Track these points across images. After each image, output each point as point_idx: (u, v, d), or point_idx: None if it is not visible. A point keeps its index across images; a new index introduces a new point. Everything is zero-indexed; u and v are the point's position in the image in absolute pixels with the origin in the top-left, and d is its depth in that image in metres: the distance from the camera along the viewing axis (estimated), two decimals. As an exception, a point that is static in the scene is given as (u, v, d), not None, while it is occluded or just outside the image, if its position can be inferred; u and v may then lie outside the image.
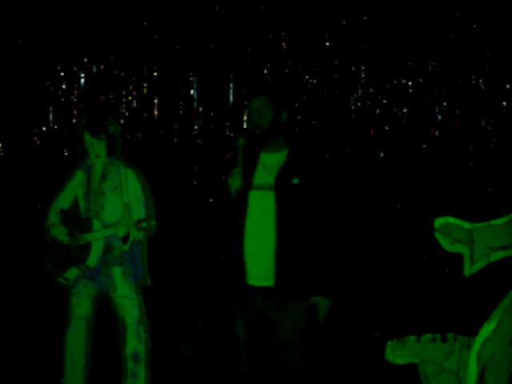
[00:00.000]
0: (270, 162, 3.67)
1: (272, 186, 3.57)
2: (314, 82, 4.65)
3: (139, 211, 4.53)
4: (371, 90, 4.52)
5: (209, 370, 4.50)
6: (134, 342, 4.48)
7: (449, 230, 4.41)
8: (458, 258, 4.35)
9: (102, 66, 4.97)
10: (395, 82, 4.48)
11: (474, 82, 4.31)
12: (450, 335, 4.29)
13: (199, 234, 4.71)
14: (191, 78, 4.84)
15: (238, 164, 3.61)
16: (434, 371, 4.44)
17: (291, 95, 4.68)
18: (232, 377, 4.48)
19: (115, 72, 4.97)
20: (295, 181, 3.57)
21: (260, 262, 3.57)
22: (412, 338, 4.43)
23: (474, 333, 4.25)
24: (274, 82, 4.70)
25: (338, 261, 3.53)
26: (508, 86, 4.32)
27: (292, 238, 3.55)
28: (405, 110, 4.48)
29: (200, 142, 4.79)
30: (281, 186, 3.57)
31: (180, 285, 4.69)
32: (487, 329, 4.28)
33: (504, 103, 4.32)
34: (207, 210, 4.75)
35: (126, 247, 4.50)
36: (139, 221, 4.51)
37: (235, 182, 3.59)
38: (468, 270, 4.39)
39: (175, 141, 4.82)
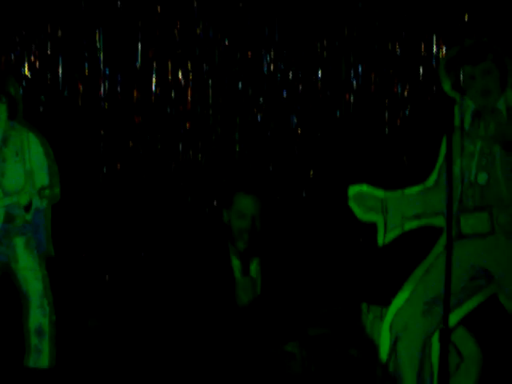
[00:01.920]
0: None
1: None
2: (226, 43, 4.48)
3: (42, 178, 4.36)
4: (284, 53, 4.39)
5: (118, 343, 4.38)
6: (38, 316, 4.34)
7: (363, 199, 4.34)
8: (372, 227, 4.30)
9: (2, 24, 4.70)
10: (310, 45, 4.36)
11: (390, 46, 4.22)
12: (363, 306, 4.24)
13: (103, 201, 4.52)
14: (97, 38, 4.61)
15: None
16: (347, 342, 4.43)
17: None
18: (139, 348, 4.42)
19: (16, 30, 4.70)
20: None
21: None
22: (323, 311, 4.38)
23: (387, 303, 4.22)
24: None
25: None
26: (425, 53, 4.24)
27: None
28: (319, 75, 4.36)
29: (106, 105, 4.58)
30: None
31: (86, 255, 4.51)
32: (400, 299, 4.25)
33: (420, 69, 4.25)
34: (113, 176, 4.56)
35: (28, 216, 4.35)
36: (42, 188, 4.36)
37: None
38: (382, 239, 4.34)
39: (80, 104, 4.61)
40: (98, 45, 4.59)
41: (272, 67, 4.48)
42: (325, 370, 3.91)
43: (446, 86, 4.13)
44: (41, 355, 4.33)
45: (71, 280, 4.50)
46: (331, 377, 4.04)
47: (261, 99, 4.42)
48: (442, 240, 4.25)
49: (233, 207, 3.65)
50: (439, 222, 4.24)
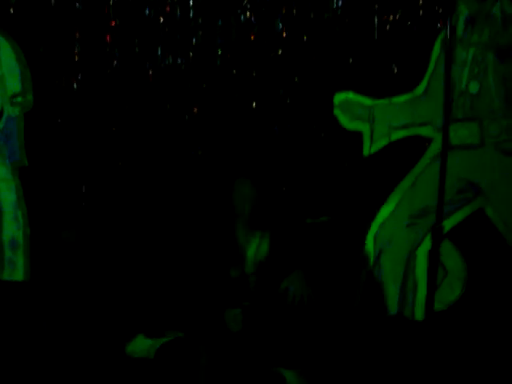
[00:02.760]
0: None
1: None
2: None
3: (14, 84, 4.19)
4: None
5: (92, 255, 4.27)
6: (12, 228, 4.24)
7: (349, 107, 4.18)
8: (358, 136, 4.16)
9: None
10: None
11: None
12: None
13: (78, 109, 4.33)
14: None
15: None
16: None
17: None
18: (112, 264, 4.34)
19: None
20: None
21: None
22: (309, 221, 4.28)
23: (372, 216, 4.13)
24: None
25: None
26: None
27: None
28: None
29: (81, 7, 4.32)
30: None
31: (61, 166, 4.34)
32: (385, 211, 4.16)
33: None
34: (88, 82, 4.34)
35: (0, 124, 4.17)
36: (14, 95, 4.20)
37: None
38: (368, 149, 4.21)
39: (53, 3, 4.34)
40: None
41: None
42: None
43: (439, -10, 3.95)
44: (15, 268, 4.24)
45: (45, 190, 4.37)
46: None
47: (244, 1, 4.19)
48: (430, 151, 4.14)
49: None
50: (427, 132, 4.11)
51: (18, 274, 4.20)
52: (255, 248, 3.70)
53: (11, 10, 4.41)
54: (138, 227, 4.37)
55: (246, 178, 3.70)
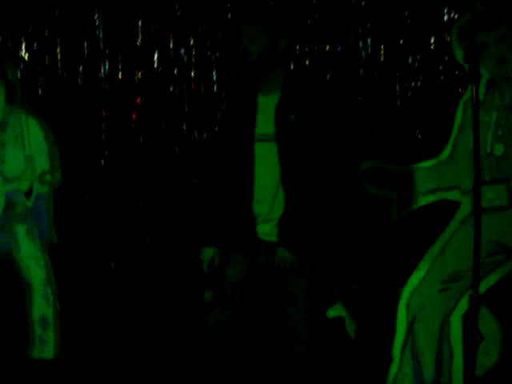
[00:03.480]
0: (269, 105, 3.40)
1: (274, 134, 3.37)
2: (229, 16, 4.36)
3: (43, 163, 4.26)
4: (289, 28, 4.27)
5: (123, 331, 4.29)
6: (42, 305, 4.24)
7: (376, 174, 4.22)
8: (387, 202, 4.19)
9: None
10: (316, 16, 4.25)
11: (400, 16, 4.10)
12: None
13: (108, 185, 4.44)
14: (96, 17, 4.51)
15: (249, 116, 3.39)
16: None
17: (290, 22, 4.23)
18: (143, 338, 4.33)
19: (13, 11, 4.61)
20: (292, 117, 3.36)
21: (267, 220, 3.45)
22: (337, 290, 4.26)
23: (403, 282, 4.11)
24: (269, 7, 4.27)
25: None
26: (435, 22, 4.13)
27: (296, 195, 3.38)
28: (327, 48, 4.24)
29: (107, 86, 4.48)
30: (281, 131, 3.34)
31: (90, 243, 4.42)
32: (416, 278, 4.12)
33: (432, 39, 4.14)
34: (115, 159, 4.47)
35: (29, 203, 4.26)
36: (43, 173, 4.25)
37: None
38: (396, 214, 4.22)
39: (80, 85, 4.50)
40: (96, 23, 4.50)
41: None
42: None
43: (459, 56, 4.03)
44: (46, 346, 4.22)
45: (75, 268, 4.42)
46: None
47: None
48: (459, 215, 4.13)
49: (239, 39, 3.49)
50: (454, 196, 4.11)
51: (49, 352, 4.18)
52: None
53: (39, 91, 4.60)
54: (164, 303, 4.41)
55: None
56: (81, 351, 4.34)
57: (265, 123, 3.38)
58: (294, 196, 3.40)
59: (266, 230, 3.48)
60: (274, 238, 3.45)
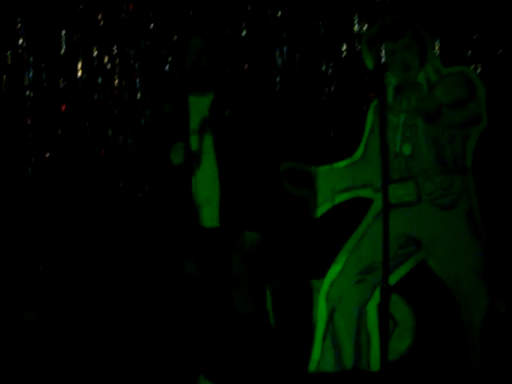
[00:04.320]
0: (202, 105, 3.67)
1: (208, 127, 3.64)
2: (151, 27, 4.49)
3: None
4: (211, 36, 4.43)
5: (53, 335, 4.34)
6: None
7: (294, 174, 4.45)
8: (305, 201, 4.42)
9: None
10: (234, 27, 4.42)
11: (314, 25, 4.32)
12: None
13: (32, 193, 4.47)
14: (19, 25, 4.53)
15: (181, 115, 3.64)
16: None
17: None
18: (74, 342, 4.39)
19: None
20: (226, 113, 3.67)
21: (209, 206, 3.67)
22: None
23: (322, 275, 4.35)
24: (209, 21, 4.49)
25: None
26: (346, 31, 4.37)
27: (231, 177, 3.66)
28: (245, 54, 4.42)
29: (31, 94, 4.52)
30: (215, 124, 3.63)
31: (20, 247, 4.44)
32: (334, 270, 4.38)
33: (343, 47, 4.38)
34: (43, 165, 4.51)
35: None
36: None
37: (178, 157, 3.60)
38: (313, 212, 4.47)
39: (4, 94, 4.51)
40: (20, 32, 4.53)
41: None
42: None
43: (369, 63, 4.29)
44: None
45: (4, 273, 4.43)
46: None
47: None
48: (372, 211, 4.41)
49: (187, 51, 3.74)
50: (367, 193, 4.39)
51: None
52: None
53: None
54: (96, 306, 4.48)
55: None
56: (12, 355, 4.33)
57: (197, 119, 3.65)
58: (230, 180, 3.65)
59: (208, 216, 3.70)
60: (215, 223, 3.70)
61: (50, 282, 4.46)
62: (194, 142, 3.69)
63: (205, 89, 3.69)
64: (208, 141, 3.68)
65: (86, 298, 4.41)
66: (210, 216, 3.70)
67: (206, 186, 3.69)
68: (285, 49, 4.37)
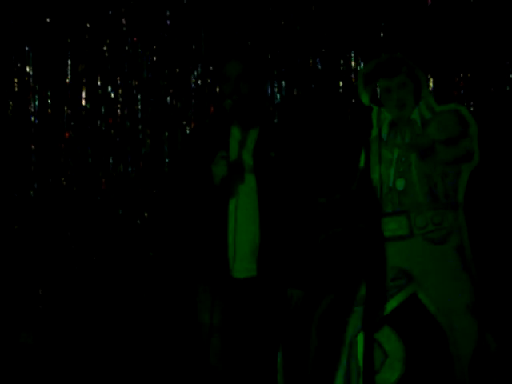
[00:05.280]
0: (245, 139, 3.38)
1: (251, 166, 3.32)
2: (154, 59, 4.62)
3: None
4: (211, 68, 4.56)
5: (52, 357, 4.40)
6: None
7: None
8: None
9: None
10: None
11: (311, 62, 4.43)
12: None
13: (34, 217, 4.57)
14: (27, 54, 4.66)
15: (222, 146, 3.27)
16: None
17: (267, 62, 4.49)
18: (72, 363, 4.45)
19: None
20: (272, 154, 3.38)
21: (243, 254, 3.31)
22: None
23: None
24: (250, 48, 4.38)
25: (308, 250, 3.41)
26: (343, 68, 4.48)
27: (274, 226, 3.33)
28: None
29: (37, 120, 4.64)
30: (260, 164, 3.33)
31: (18, 269, 4.53)
32: (325, 302, 4.45)
33: (340, 83, 4.49)
34: (45, 190, 4.61)
35: None
36: None
37: (221, 169, 3.22)
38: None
39: (10, 119, 4.64)
40: (27, 61, 4.66)
41: (200, 82, 4.65)
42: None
43: (365, 99, 4.38)
44: None
45: (3, 295, 4.51)
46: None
47: (189, 113, 4.57)
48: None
49: (222, 75, 3.42)
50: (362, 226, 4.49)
51: None
52: None
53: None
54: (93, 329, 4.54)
55: None
56: (8, 378, 4.39)
57: (239, 154, 3.35)
58: (273, 227, 3.34)
59: (243, 266, 3.35)
60: (252, 273, 3.35)
61: (48, 304, 4.55)
62: (233, 179, 3.33)
63: (250, 122, 3.39)
64: (250, 181, 3.35)
65: (87, 324, 4.50)
66: (245, 265, 3.35)
67: (245, 230, 3.34)
68: (283, 83, 4.50)
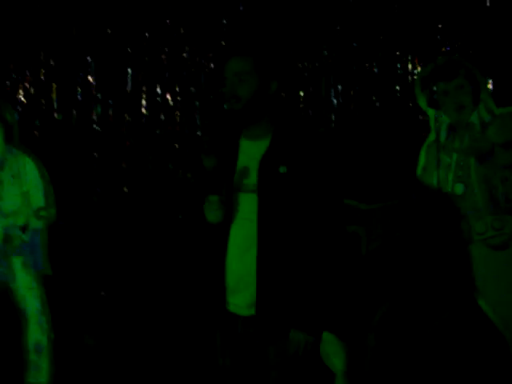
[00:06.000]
0: (254, 153, 2.80)
1: (255, 185, 2.76)
2: (212, 66, 4.68)
3: (38, 199, 4.45)
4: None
5: (113, 359, 4.51)
6: (36, 333, 4.38)
7: (346, 212, 4.52)
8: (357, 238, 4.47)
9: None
10: (292, 66, 4.55)
11: (368, 66, 4.41)
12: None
13: (98, 222, 4.70)
14: (89, 64, 4.80)
15: (213, 188, 2.75)
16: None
17: (281, 61, 4.19)
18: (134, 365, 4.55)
19: (11, 58, 4.87)
20: (282, 170, 2.76)
21: (243, 288, 2.79)
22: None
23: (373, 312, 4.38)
24: (261, 43, 3.87)
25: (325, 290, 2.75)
26: (400, 71, 4.43)
27: (277, 255, 2.75)
28: (301, 94, 4.55)
29: (99, 128, 4.77)
30: (264, 180, 2.75)
31: (82, 274, 4.66)
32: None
33: (397, 87, 4.44)
34: (105, 198, 4.74)
35: (25, 237, 4.43)
36: (38, 209, 4.44)
37: (215, 214, 2.74)
38: (365, 249, 4.52)
39: (74, 127, 4.79)
40: (89, 70, 4.80)
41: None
42: None
43: (422, 103, 4.33)
44: (40, 372, 4.37)
45: (68, 298, 4.65)
46: None
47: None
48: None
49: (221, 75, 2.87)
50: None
51: (43, 377, 4.33)
52: None
53: (36, 133, 4.86)
54: (155, 333, 4.64)
55: None
56: (72, 378, 4.51)
57: (249, 172, 2.79)
58: (277, 256, 2.76)
59: (242, 302, 2.83)
60: (251, 311, 2.80)
61: (110, 306, 4.67)
62: (235, 199, 2.81)
63: (257, 131, 2.82)
64: (251, 201, 2.80)
65: (147, 326, 4.59)
66: (245, 301, 2.82)
67: (243, 261, 2.80)
68: (339, 88, 4.49)
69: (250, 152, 2.81)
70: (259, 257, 2.76)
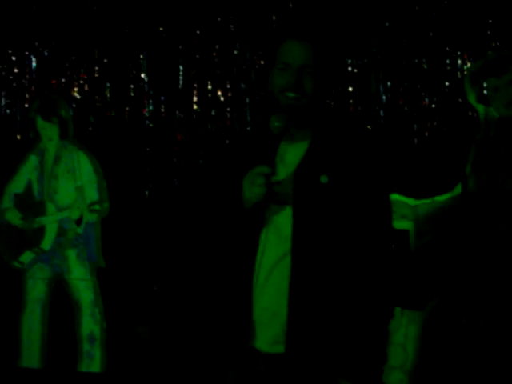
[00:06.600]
0: (290, 158, 2.36)
1: (290, 195, 2.29)
2: (262, 63, 4.71)
3: (92, 194, 4.56)
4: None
5: (165, 351, 4.58)
6: (90, 323, 4.49)
7: (395, 207, 4.52)
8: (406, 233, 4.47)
9: (53, 50, 4.99)
10: (341, 63, 4.55)
11: (417, 62, 4.40)
12: (397, 310, 4.40)
13: (150, 217, 4.78)
14: (141, 61, 4.88)
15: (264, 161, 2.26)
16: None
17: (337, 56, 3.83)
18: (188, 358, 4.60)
19: (66, 56, 4.97)
20: (323, 179, 2.30)
21: (269, 320, 2.33)
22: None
23: (421, 307, 4.37)
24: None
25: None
26: (450, 67, 4.41)
27: (314, 282, 2.27)
28: (350, 89, 4.56)
29: (151, 124, 4.85)
30: (300, 192, 2.29)
31: (135, 266, 4.74)
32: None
33: (446, 83, 4.42)
34: (157, 193, 4.82)
35: (79, 230, 4.54)
36: (92, 203, 4.55)
37: (257, 190, 2.25)
38: (414, 245, 4.51)
39: (126, 123, 4.87)
40: (142, 68, 4.88)
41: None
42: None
43: (471, 98, 4.30)
44: (93, 361, 4.49)
45: (121, 289, 4.73)
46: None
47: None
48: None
49: (276, 61, 2.38)
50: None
51: (95, 366, 4.46)
52: None
53: (90, 128, 4.96)
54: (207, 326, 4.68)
55: None
56: (125, 367, 4.61)
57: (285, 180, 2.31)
58: (311, 286, 2.28)
59: (268, 338, 2.34)
60: (279, 349, 2.32)
61: (163, 299, 4.74)
62: (272, 212, 2.33)
63: (299, 133, 2.37)
64: (286, 217, 2.32)
65: (200, 319, 4.64)
66: (271, 336, 2.34)
67: (271, 291, 2.33)
68: (388, 84, 4.49)
69: (286, 157, 2.35)
70: (292, 284, 2.28)
